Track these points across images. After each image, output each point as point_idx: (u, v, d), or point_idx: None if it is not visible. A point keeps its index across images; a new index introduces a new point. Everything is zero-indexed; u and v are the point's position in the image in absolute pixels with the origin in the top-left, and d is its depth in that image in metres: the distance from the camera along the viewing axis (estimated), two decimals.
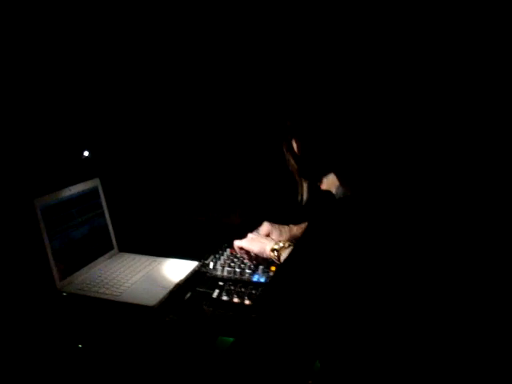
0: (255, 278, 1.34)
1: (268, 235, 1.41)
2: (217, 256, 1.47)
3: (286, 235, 1.38)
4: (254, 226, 1.49)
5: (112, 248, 1.56)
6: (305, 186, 0.97)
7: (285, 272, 0.83)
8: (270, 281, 1.28)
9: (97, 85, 1.62)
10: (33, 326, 1.14)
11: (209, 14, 1.53)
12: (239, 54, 1.57)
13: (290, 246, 1.30)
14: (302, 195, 0.98)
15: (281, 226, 1.43)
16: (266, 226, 1.43)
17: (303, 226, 1.41)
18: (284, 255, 1.28)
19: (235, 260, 1.43)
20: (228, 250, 1.51)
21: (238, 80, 1.61)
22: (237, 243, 1.41)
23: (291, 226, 1.43)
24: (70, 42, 1.48)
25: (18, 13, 1.31)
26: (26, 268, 1.28)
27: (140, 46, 1.62)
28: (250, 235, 1.42)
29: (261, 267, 1.38)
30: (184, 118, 1.74)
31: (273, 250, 1.31)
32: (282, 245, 1.30)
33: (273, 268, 1.38)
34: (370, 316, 0.75)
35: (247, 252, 1.40)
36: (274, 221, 1.46)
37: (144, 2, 1.56)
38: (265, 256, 1.34)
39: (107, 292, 1.27)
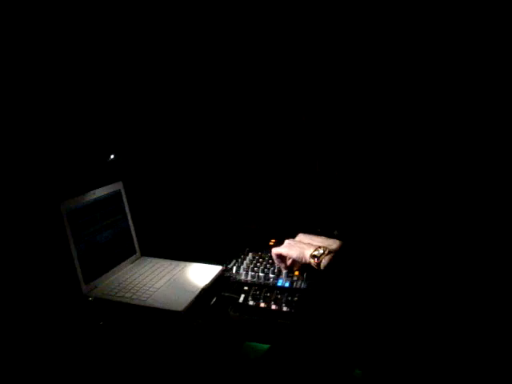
0: (279, 283, 1.34)
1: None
2: (239, 260, 1.47)
3: (323, 243, 1.33)
4: (271, 231, 1.47)
5: (135, 252, 1.55)
6: None
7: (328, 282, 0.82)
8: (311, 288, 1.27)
9: (122, 90, 1.61)
10: (59, 330, 1.14)
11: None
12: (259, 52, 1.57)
13: (330, 253, 1.26)
14: None
15: (315, 236, 1.39)
16: (301, 236, 1.41)
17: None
18: (324, 262, 1.25)
19: (258, 264, 1.43)
20: (250, 254, 1.51)
21: (255, 83, 1.61)
22: (275, 250, 1.38)
23: (324, 237, 1.38)
24: (94, 48, 1.48)
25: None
26: (51, 272, 1.28)
27: (169, 54, 1.63)
28: (287, 241, 1.39)
29: (284, 272, 1.38)
30: (207, 125, 1.73)
31: (313, 256, 1.28)
32: (322, 251, 1.27)
33: (296, 273, 1.37)
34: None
35: (283, 260, 1.38)
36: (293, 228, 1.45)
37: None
38: (303, 261, 1.31)
39: (133, 297, 1.27)
